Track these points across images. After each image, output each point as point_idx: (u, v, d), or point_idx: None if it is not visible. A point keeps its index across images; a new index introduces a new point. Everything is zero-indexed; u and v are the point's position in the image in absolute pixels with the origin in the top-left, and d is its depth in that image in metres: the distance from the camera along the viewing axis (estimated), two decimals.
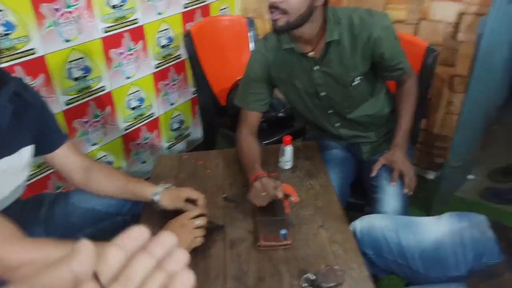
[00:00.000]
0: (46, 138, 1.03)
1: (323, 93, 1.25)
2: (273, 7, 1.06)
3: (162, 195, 1.05)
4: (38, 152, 1.02)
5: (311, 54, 1.17)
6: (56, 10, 1.51)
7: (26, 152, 0.96)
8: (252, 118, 1.31)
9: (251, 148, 1.26)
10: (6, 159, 0.91)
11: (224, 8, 2.35)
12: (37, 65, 1.51)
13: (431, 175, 2.09)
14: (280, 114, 1.90)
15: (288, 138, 1.21)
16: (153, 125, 2.17)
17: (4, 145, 0.90)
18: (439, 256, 0.96)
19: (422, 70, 1.45)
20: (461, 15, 1.66)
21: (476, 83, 1.50)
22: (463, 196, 2.01)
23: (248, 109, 1.30)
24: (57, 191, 1.76)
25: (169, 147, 2.33)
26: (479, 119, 1.77)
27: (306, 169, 1.26)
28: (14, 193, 0.98)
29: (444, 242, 0.97)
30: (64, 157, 1.07)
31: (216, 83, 2.00)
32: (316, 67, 1.19)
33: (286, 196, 1.11)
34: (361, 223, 1.08)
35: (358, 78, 1.20)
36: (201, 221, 0.97)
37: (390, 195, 1.21)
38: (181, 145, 2.42)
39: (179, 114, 2.31)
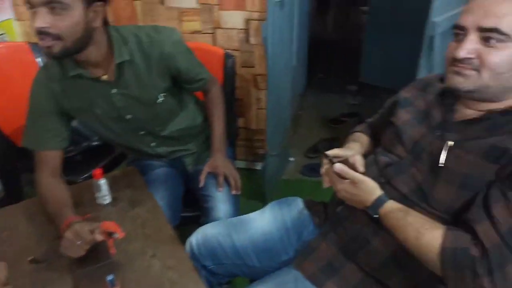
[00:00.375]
0: None
1: (128, 116, 1.16)
2: (42, 33, 0.90)
3: None
4: None
5: (104, 77, 1.07)
6: None
7: None
8: (51, 158, 1.12)
9: (57, 192, 1.08)
10: None
11: (0, 35, 1.98)
12: None
13: (258, 166, 2.25)
14: (95, 143, 1.72)
15: (98, 171, 1.08)
16: None
17: None
18: (268, 246, 1.01)
19: (224, 74, 1.52)
20: (248, 21, 1.82)
21: (272, 79, 1.67)
22: (288, 178, 2.24)
23: (44, 149, 1.11)
24: None
25: None
26: (283, 109, 1.98)
27: (128, 198, 1.15)
28: None
29: (271, 231, 1.03)
30: None
31: (6, 123, 1.66)
32: (114, 90, 1.10)
33: (109, 234, 0.99)
34: (196, 237, 1.06)
35: (162, 95, 1.16)
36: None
37: (221, 201, 1.22)
38: None
39: None
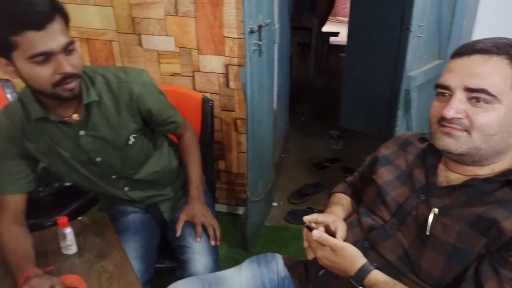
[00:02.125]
0: None
1: (98, 159, 1.12)
2: (71, 77, 0.92)
3: None
4: None
5: (71, 119, 1.04)
6: None
7: None
8: (13, 203, 1.05)
9: (17, 241, 1.01)
10: None
11: None
12: None
13: (240, 211, 2.20)
14: (67, 184, 1.65)
15: (63, 219, 1.02)
16: None
17: None
18: None
19: (202, 118, 1.51)
20: (227, 66, 1.84)
21: (252, 125, 1.66)
22: (271, 224, 2.18)
23: (5, 193, 1.05)
24: None
25: None
26: (265, 154, 1.97)
27: (96, 249, 1.08)
28: None
29: None
30: None
31: None
32: (81, 132, 1.06)
33: None
34: None
35: (132, 136, 1.13)
36: None
37: (199, 253, 1.16)
38: None
39: None
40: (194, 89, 1.91)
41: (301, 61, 4.57)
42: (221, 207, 2.22)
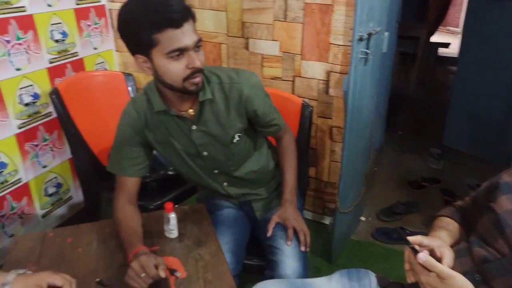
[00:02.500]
0: None
1: (205, 153, 1.20)
2: (199, 72, 1.02)
3: (13, 285, 0.83)
4: None
5: (186, 114, 1.13)
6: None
7: None
8: (129, 184, 1.18)
9: (130, 219, 1.12)
10: None
11: (101, 63, 2.22)
12: None
13: (327, 220, 2.16)
14: (170, 172, 1.79)
15: (169, 205, 1.11)
16: (21, 192, 1.86)
17: None
18: None
19: (300, 123, 1.52)
20: (328, 73, 1.82)
21: (350, 133, 1.62)
22: (358, 238, 2.10)
23: (124, 175, 1.17)
24: None
25: (44, 215, 2.02)
26: (359, 165, 1.91)
27: (194, 236, 1.16)
28: None
29: None
30: None
31: (95, 143, 1.81)
32: (193, 127, 1.15)
33: (171, 272, 0.99)
34: None
35: (237, 135, 1.19)
36: None
37: (289, 256, 1.16)
38: (61, 210, 2.12)
39: (55, 177, 2.04)
40: (293, 93, 1.93)
41: (403, 71, 4.33)
42: (306, 214, 2.20)
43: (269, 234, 1.21)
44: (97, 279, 1.00)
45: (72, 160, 2.09)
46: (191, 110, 1.13)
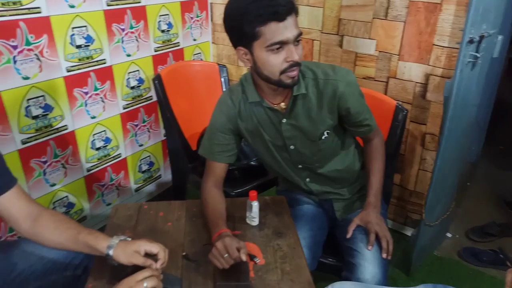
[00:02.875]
0: None
1: (292, 147, 1.21)
2: (296, 65, 1.03)
3: (116, 249, 0.94)
4: None
5: (278, 107, 1.15)
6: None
7: None
8: (218, 169, 1.24)
9: (216, 202, 1.19)
10: None
11: (198, 53, 2.35)
12: None
13: (408, 231, 2.05)
14: (253, 163, 1.85)
15: (254, 193, 1.14)
16: (120, 166, 2.08)
17: None
18: None
19: (392, 127, 1.45)
20: (428, 75, 1.71)
21: (447, 143, 1.51)
22: (441, 254, 1.96)
23: (214, 160, 1.24)
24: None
25: (137, 189, 2.23)
26: (452, 177, 1.77)
27: (274, 226, 1.18)
28: None
29: None
30: (10, 203, 0.96)
31: (187, 127, 1.94)
32: (284, 120, 1.16)
33: (251, 257, 1.03)
34: None
35: (326, 132, 1.18)
36: (150, 283, 0.86)
37: (369, 261, 1.13)
38: (150, 187, 2.32)
39: (149, 156, 2.23)
40: (385, 95, 1.85)
41: (509, 79, 3.87)
42: (387, 222, 2.11)
43: (348, 235, 1.19)
44: (184, 253, 1.07)
45: (164, 142, 2.28)
46: (283, 104, 1.15)
